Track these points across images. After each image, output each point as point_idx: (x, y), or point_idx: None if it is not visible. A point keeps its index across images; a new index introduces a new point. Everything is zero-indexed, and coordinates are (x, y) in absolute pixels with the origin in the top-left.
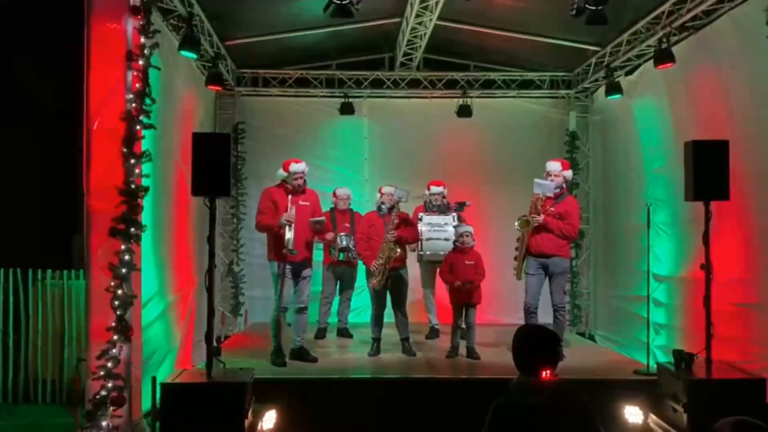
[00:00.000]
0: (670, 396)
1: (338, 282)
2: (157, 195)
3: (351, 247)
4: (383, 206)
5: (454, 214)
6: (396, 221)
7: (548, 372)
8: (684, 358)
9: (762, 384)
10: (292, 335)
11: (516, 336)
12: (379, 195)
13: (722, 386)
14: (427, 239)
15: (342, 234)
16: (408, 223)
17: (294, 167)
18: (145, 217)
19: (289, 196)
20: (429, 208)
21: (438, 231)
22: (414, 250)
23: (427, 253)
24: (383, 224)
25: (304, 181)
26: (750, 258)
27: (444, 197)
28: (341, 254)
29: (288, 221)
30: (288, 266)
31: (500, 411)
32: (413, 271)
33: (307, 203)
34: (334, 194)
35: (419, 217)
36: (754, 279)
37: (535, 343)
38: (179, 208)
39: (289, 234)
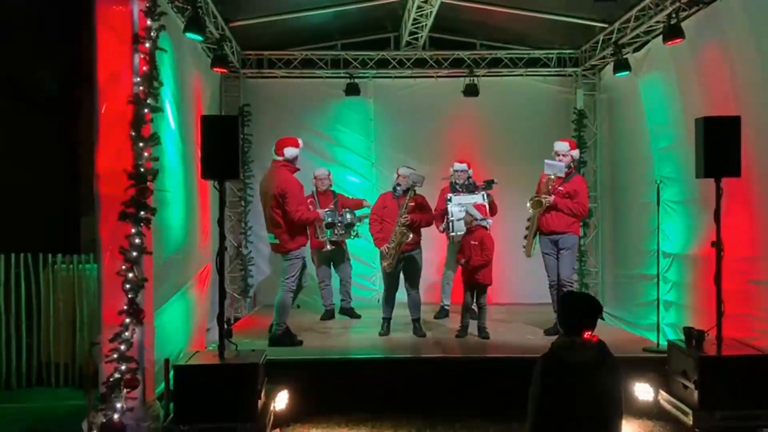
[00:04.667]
0: (680, 373)
1: (331, 264)
2: (183, 176)
3: (336, 222)
4: (398, 188)
5: (483, 193)
6: (411, 204)
7: (590, 333)
8: (694, 335)
9: None
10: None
11: (562, 301)
12: (396, 176)
13: (733, 363)
14: (458, 220)
15: (326, 210)
16: (423, 208)
17: (300, 143)
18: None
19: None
20: (455, 188)
21: None
22: (443, 231)
23: (458, 234)
24: (397, 206)
25: None
26: (758, 235)
27: (469, 176)
28: (328, 231)
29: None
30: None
31: (550, 367)
32: (431, 252)
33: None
34: (314, 176)
35: (448, 198)
36: (762, 256)
37: (580, 308)
38: (201, 190)
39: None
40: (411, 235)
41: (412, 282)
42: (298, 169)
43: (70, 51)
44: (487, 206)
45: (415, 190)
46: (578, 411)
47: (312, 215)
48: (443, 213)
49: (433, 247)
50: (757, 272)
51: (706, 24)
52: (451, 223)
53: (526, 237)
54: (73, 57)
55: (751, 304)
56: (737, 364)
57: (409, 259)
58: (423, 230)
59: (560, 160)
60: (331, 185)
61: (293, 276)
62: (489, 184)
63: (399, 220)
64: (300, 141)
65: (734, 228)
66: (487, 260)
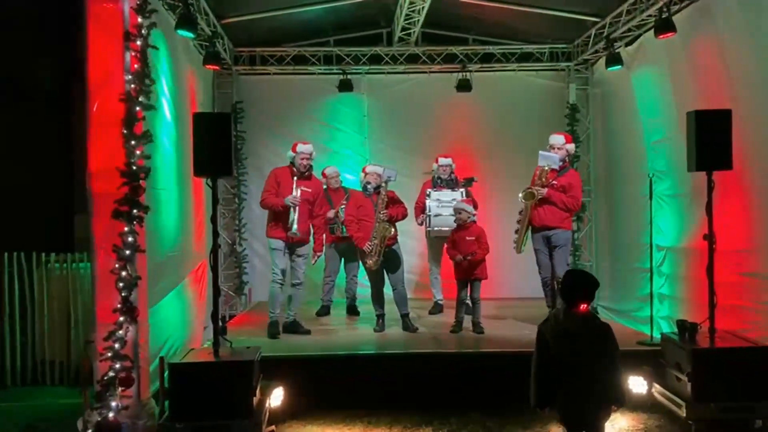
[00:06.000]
0: (674, 365)
1: (342, 259)
2: (177, 174)
3: None
4: (369, 186)
5: (462, 189)
6: (385, 200)
7: (584, 305)
8: (687, 327)
9: (765, 352)
10: (285, 309)
11: (563, 278)
12: (363, 174)
13: (726, 355)
14: (435, 215)
15: (343, 208)
16: (396, 201)
17: (300, 147)
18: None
19: (294, 179)
20: (437, 182)
21: (446, 207)
22: (422, 224)
23: (435, 229)
24: (371, 204)
25: (311, 165)
26: (750, 227)
27: (452, 171)
28: (344, 228)
29: (293, 203)
30: (285, 242)
31: (543, 331)
32: (421, 247)
33: (309, 189)
34: (323, 174)
35: (427, 193)
36: (755, 248)
37: (577, 283)
38: (196, 188)
39: (293, 216)
40: (393, 230)
41: (397, 276)
42: (296, 170)
43: (70, 51)
44: None
45: (387, 186)
46: (572, 368)
47: (272, 201)
48: (424, 207)
49: (421, 243)
50: (749, 265)
51: (698, 17)
52: (428, 218)
53: (517, 231)
54: (72, 57)
55: (743, 297)
56: (730, 356)
57: (392, 253)
58: (408, 229)
59: (555, 153)
60: (341, 182)
61: (274, 265)
62: (469, 182)
63: (378, 216)
64: (300, 146)
65: (727, 221)
66: (485, 254)
